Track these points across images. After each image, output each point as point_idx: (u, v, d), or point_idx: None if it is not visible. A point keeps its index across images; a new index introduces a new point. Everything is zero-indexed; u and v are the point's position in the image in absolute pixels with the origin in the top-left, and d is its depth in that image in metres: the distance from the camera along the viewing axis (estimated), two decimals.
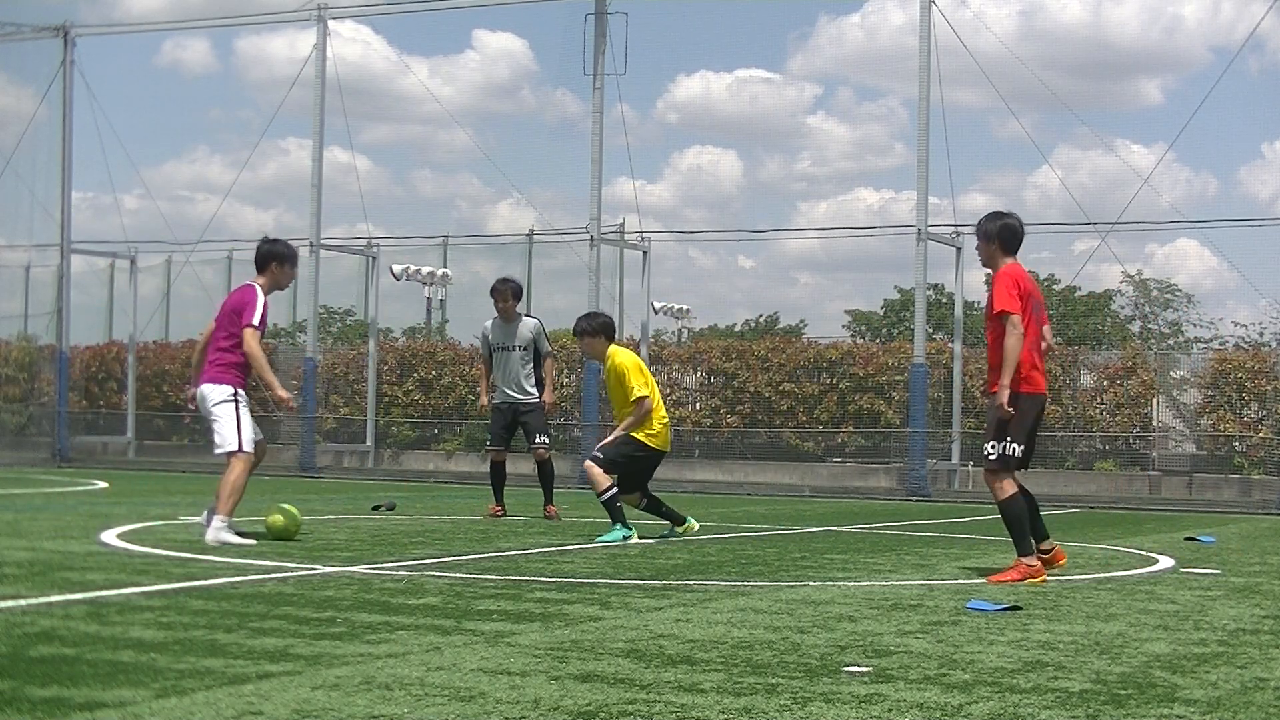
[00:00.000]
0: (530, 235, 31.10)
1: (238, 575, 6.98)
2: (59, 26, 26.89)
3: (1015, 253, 7.94)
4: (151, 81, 50.81)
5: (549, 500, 12.27)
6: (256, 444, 9.26)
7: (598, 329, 10.48)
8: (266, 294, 9.42)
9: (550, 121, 39.75)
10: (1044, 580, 7.53)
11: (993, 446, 7.69)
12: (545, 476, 12.33)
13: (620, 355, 10.34)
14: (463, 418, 28.34)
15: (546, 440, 12.30)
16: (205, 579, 6.79)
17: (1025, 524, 7.71)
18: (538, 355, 12.35)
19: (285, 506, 9.40)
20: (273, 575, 7.03)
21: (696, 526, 10.44)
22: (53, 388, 27.97)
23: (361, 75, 37.54)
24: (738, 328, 37.12)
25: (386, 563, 7.81)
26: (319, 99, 24.91)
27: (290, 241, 9.84)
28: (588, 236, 23.06)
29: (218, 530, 8.84)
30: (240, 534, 8.98)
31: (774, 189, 46.70)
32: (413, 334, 32.71)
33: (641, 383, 10.17)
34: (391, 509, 12.94)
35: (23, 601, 5.72)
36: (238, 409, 9.16)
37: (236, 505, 9.06)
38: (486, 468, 27.67)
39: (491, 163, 49.70)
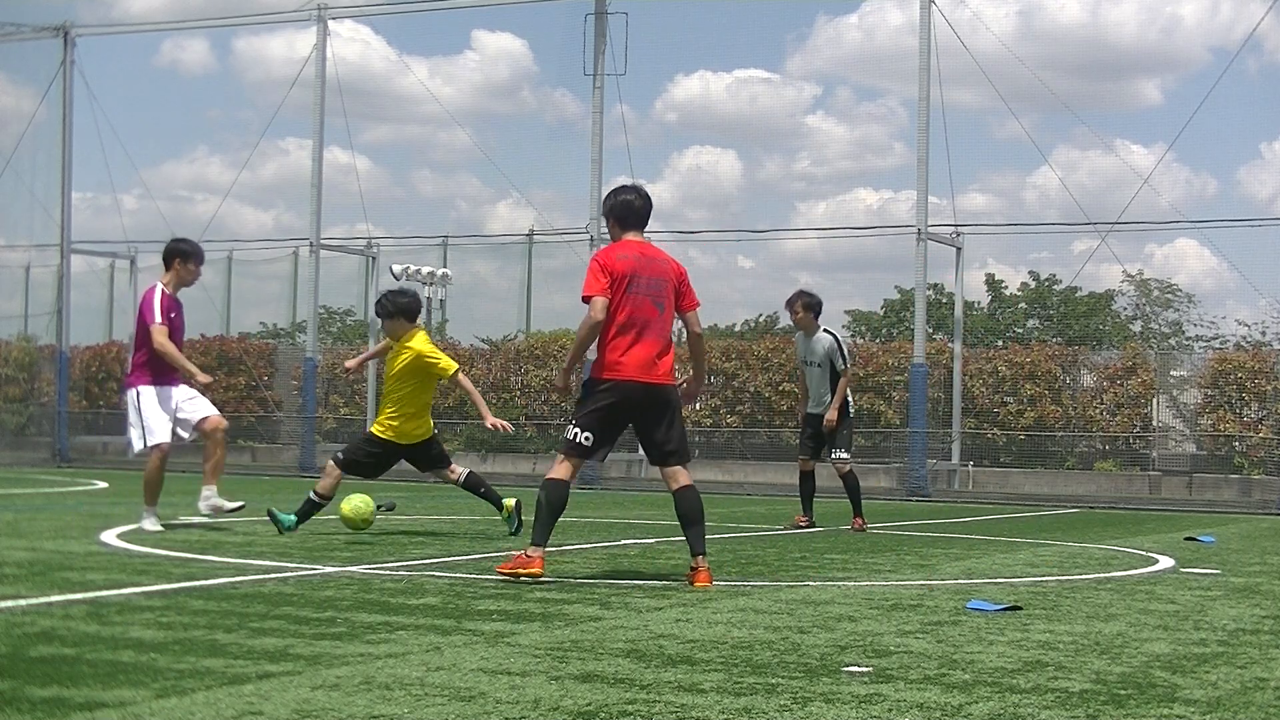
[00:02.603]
0: (530, 235, 31.11)
1: (238, 575, 6.98)
2: (59, 26, 26.89)
3: (635, 228, 7.44)
4: (151, 81, 50.76)
5: (857, 512, 12.06)
6: (201, 425, 10.01)
7: (397, 310, 9.97)
8: (173, 290, 10.07)
9: (550, 121, 39.72)
10: (536, 573, 6.86)
11: (568, 428, 7.26)
12: (850, 489, 12.11)
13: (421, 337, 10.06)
14: (463, 418, 28.32)
15: (845, 455, 12.04)
16: (205, 579, 6.79)
17: (552, 515, 7.04)
18: (833, 370, 11.97)
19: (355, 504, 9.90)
20: (273, 575, 7.03)
21: (513, 503, 9.89)
22: (53, 388, 27.98)
23: (361, 75, 37.51)
24: (737, 328, 37.10)
25: (386, 563, 7.81)
26: (319, 99, 24.91)
27: (188, 239, 10.53)
28: (588, 236, 23.07)
29: (144, 522, 9.82)
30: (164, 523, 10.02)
31: (773, 189, 46.64)
32: None
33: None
34: (391, 509, 12.93)
35: (23, 601, 5.72)
36: (140, 406, 9.88)
37: (155, 498, 9.92)
38: (488, 468, 27.48)
39: (491, 163, 49.54)
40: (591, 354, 7.51)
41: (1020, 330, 34.64)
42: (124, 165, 47.62)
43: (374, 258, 27.56)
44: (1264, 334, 27.18)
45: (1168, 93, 44.95)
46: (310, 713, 3.69)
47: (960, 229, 23.59)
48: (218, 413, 10.20)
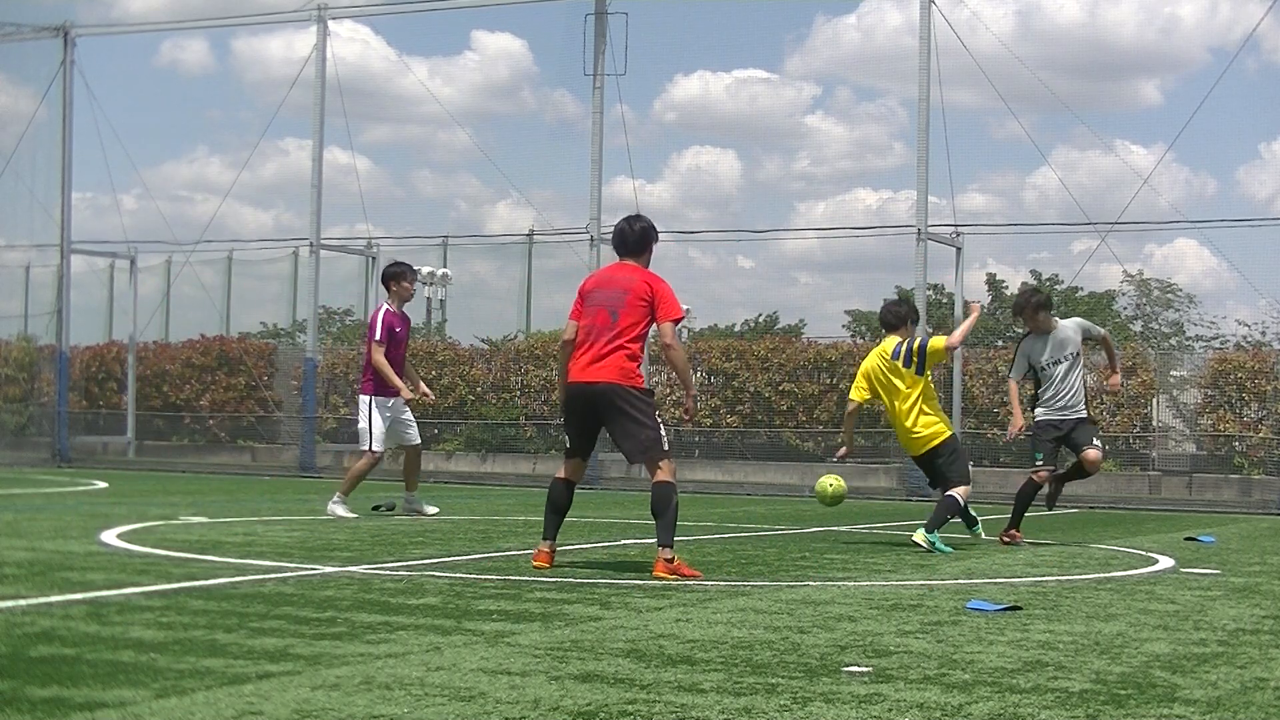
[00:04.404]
0: (530, 235, 31.10)
1: (238, 575, 6.98)
2: (59, 26, 26.87)
3: (626, 254, 8.00)
4: (151, 81, 50.82)
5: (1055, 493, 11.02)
6: (411, 448, 12.20)
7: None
8: (397, 307, 12.08)
9: (550, 121, 39.69)
10: (539, 565, 7.65)
11: None
12: (1082, 477, 10.94)
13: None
14: (463, 417, 28.32)
15: (1099, 442, 10.75)
16: (205, 579, 6.79)
17: (550, 509, 7.85)
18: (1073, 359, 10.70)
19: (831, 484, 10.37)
20: (273, 575, 7.03)
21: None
22: (53, 388, 27.96)
23: (361, 75, 37.54)
24: (737, 328, 37.10)
25: (386, 563, 7.81)
26: (319, 99, 24.89)
27: (400, 261, 12.75)
28: (588, 236, 23.06)
29: (333, 504, 11.74)
30: (352, 512, 11.71)
31: (773, 189, 46.69)
32: (412, 334, 32.68)
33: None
34: (391, 509, 12.93)
35: (23, 601, 5.72)
36: (370, 415, 11.85)
37: (351, 489, 11.94)
38: (488, 468, 27.27)
39: (491, 163, 49.51)
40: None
41: (1020, 330, 34.64)
42: (124, 165, 47.61)
43: (374, 258, 27.53)
44: (1264, 334, 27.21)
45: (1167, 93, 45.05)
46: (310, 713, 3.69)
47: (960, 229, 23.56)
48: (419, 440, 12.31)
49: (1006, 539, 10.57)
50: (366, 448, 11.87)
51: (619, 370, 7.63)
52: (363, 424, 11.93)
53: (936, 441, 10.25)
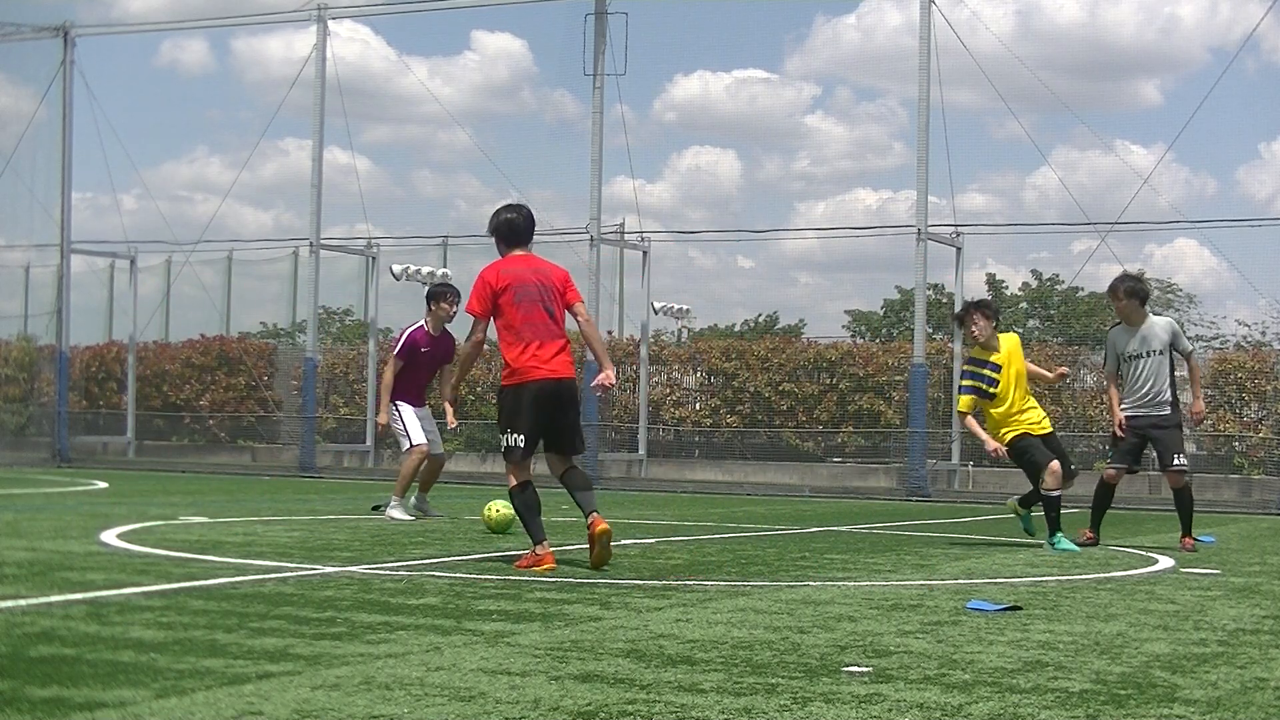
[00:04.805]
0: None
1: (238, 575, 6.98)
2: (59, 26, 26.89)
3: (519, 245, 8.10)
4: (151, 81, 50.79)
5: (1187, 532, 10.55)
6: (434, 457, 12.03)
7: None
8: (432, 328, 12.03)
9: (550, 121, 39.63)
10: (550, 568, 7.50)
11: (501, 439, 7.97)
12: (1183, 505, 10.59)
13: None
14: (463, 417, 28.31)
15: (1184, 462, 10.67)
16: (205, 579, 6.79)
17: (531, 513, 7.76)
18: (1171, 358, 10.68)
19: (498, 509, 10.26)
20: (273, 575, 7.03)
21: None
22: (53, 388, 27.97)
23: (361, 75, 37.51)
24: (737, 328, 37.09)
25: (386, 563, 7.81)
26: (319, 99, 24.90)
27: (445, 282, 13.05)
28: (588, 236, 23.07)
29: (390, 509, 11.80)
30: (408, 514, 11.83)
31: (773, 189, 46.62)
32: None
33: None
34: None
35: (23, 601, 5.72)
36: (400, 416, 11.94)
37: (405, 490, 11.93)
38: (488, 468, 27.22)
39: (491, 163, 49.42)
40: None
41: (1020, 330, 34.66)
42: (124, 165, 47.64)
43: (374, 258, 27.53)
44: (1264, 334, 27.18)
45: (1167, 93, 45.01)
46: (310, 713, 3.69)
47: (960, 229, 23.57)
48: (442, 450, 12.28)
49: (1081, 539, 10.62)
50: (407, 446, 11.95)
51: (572, 365, 8.00)
52: (397, 426, 12.02)
53: (1004, 444, 10.46)
